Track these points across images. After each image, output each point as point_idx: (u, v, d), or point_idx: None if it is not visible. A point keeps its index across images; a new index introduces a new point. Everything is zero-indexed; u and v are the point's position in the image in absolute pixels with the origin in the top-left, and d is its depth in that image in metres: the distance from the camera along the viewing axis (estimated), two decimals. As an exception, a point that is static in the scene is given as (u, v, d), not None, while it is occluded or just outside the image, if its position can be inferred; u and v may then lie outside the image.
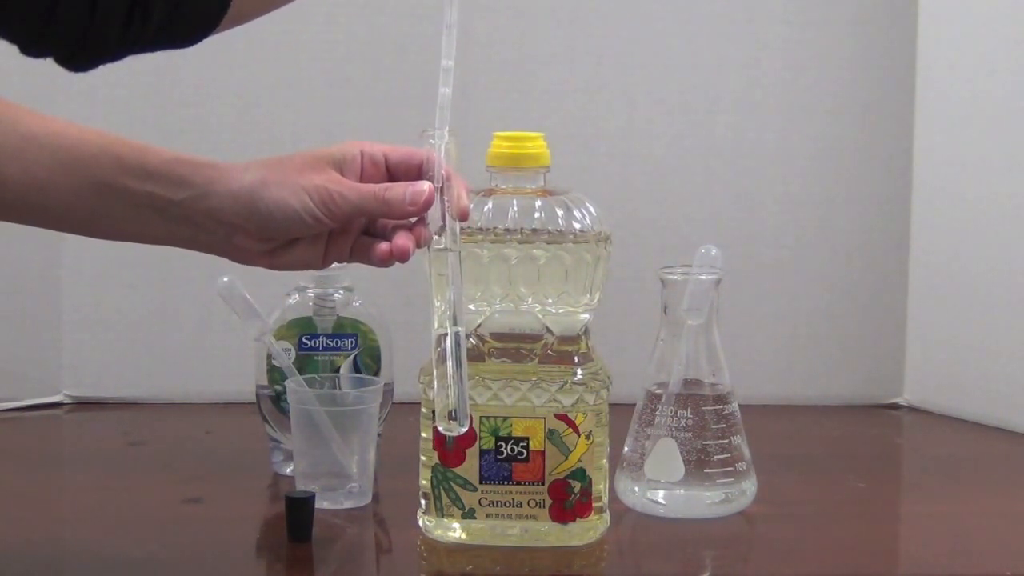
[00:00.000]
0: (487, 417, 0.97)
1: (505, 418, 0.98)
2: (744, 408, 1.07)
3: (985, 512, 1.10)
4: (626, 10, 1.40)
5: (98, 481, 1.16)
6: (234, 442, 1.26)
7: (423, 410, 0.99)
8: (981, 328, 1.36)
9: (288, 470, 1.13)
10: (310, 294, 1.16)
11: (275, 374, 1.14)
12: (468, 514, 0.98)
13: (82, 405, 1.40)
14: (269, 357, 1.14)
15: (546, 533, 0.99)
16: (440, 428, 0.91)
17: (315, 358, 1.14)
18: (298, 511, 0.98)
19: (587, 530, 1.00)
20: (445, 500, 0.99)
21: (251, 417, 1.17)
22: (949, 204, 1.38)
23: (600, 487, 1.00)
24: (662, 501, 1.05)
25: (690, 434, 1.04)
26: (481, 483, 0.98)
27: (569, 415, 0.98)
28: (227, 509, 1.07)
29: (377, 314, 1.17)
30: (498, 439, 0.98)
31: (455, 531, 0.99)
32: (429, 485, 0.99)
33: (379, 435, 1.11)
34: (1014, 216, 1.33)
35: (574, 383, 0.98)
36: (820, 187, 1.43)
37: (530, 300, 0.98)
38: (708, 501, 1.04)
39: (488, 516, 0.98)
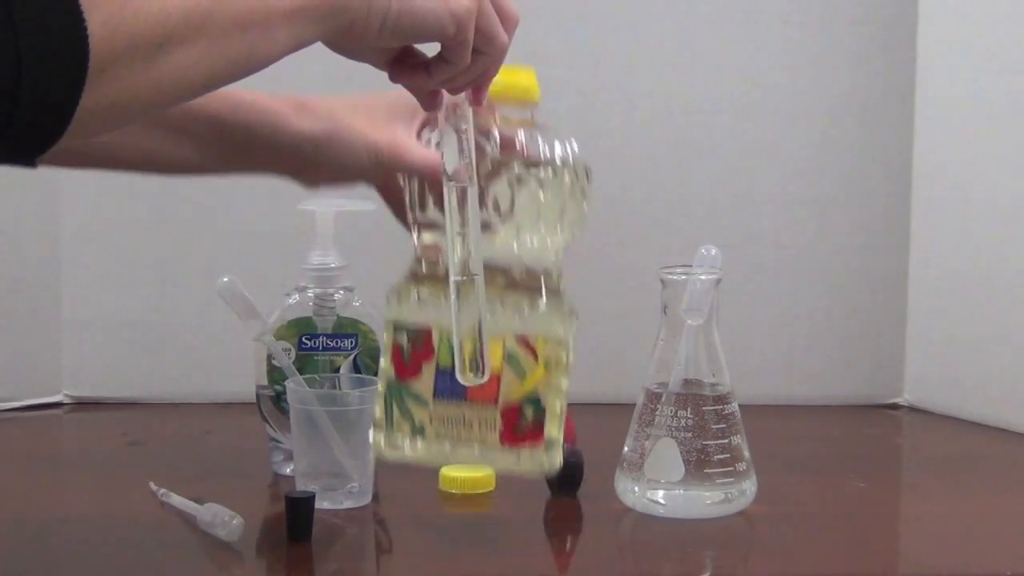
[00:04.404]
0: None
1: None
2: (744, 408, 1.07)
3: (985, 512, 1.10)
4: (626, 10, 1.40)
5: (98, 481, 1.16)
6: (234, 442, 1.26)
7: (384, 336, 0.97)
8: (981, 328, 1.36)
9: (288, 470, 1.13)
10: (310, 294, 1.16)
11: (275, 374, 1.14)
12: (418, 431, 0.95)
13: (82, 405, 1.40)
14: (269, 357, 1.13)
15: (494, 457, 0.95)
16: (460, 379, 0.90)
17: (315, 358, 1.14)
18: (298, 511, 0.98)
19: (534, 460, 0.95)
20: (397, 416, 0.95)
21: (251, 417, 1.17)
22: (949, 204, 1.39)
23: (553, 427, 0.95)
24: (662, 501, 1.05)
25: (690, 434, 1.04)
26: (435, 398, 0.95)
27: (529, 340, 0.94)
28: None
29: (377, 314, 1.16)
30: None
31: (403, 449, 0.96)
32: (383, 402, 0.96)
33: (379, 435, 1.11)
34: (1014, 216, 1.33)
35: (539, 312, 0.95)
36: (820, 187, 1.43)
37: (503, 230, 0.96)
38: (708, 501, 1.04)
39: (438, 435, 0.95)
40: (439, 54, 0.89)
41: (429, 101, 0.93)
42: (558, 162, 0.97)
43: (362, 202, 1.18)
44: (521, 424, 0.95)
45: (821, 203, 1.43)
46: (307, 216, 1.16)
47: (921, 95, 1.41)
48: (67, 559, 0.98)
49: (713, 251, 1.05)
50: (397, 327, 0.97)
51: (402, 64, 0.90)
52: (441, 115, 0.94)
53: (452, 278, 0.90)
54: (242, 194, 1.39)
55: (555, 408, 0.96)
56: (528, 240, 0.96)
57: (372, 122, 0.94)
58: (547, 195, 0.96)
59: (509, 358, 0.95)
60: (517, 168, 0.96)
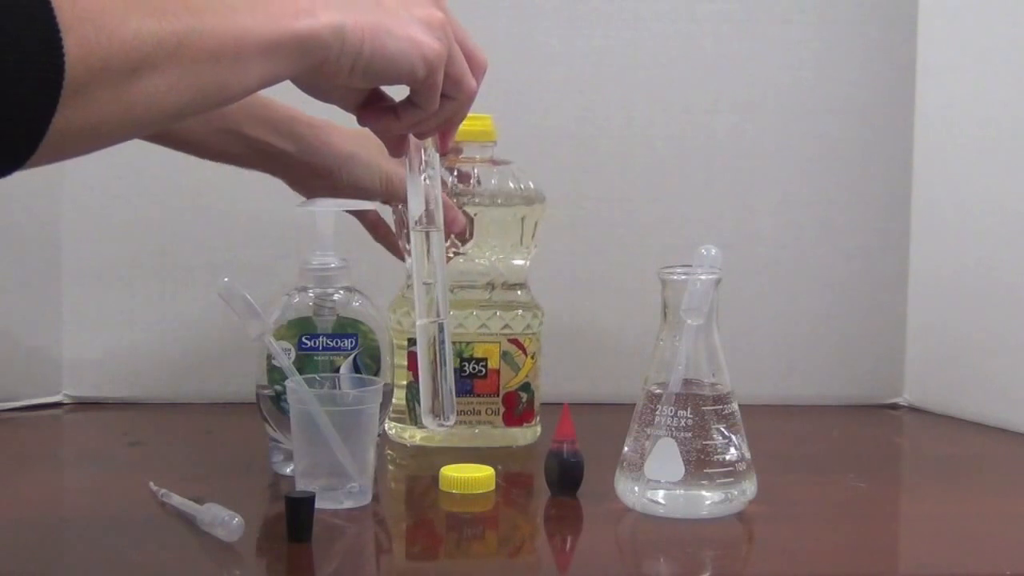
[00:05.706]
0: (454, 342, 1.14)
1: (468, 343, 1.20)
2: (744, 408, 1.07)
3: (985, 512, 1.10)
4: (626, 10, 1.40)
5: (98, 481, 1.16)
6: (234, 442, 1.26)
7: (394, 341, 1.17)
8: (981, 328, 1.36)
9: (288, 470, 1.13)
10: (310, 294, 1.16)
11: (275, 374, 1.14)
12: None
13: (82, 405, 1.40)
14: (269, 357, 1.13)
15: (499, 435, 1.21)
16: (426, 423, 0.96)
17: (315, 358, 1.14)
18: (298, 511, 0.98)
19: (528, 433, 1.22)
20: (418, 411, 1.12)
21: (251, 417, 1.17)
22: (949, 204, 1.39)
23: (537, 401, 1.23)
24: (662, 501, 1.05)
25: (690, 434, 1.04)
26: None
27: (519, 340, 1.21)
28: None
29: (377, 314, 1.17)
30: (463, 360, 1.19)
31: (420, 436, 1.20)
32: (404, 400, 1.20)
33: (379, 435, 1.11)
34: (1014, 216, 1.33)
35: (520, 315, 1.21)
36: (820, 187, 1.43)
37: (482, 250, 1.20)
38: (708, 501, 1.04)
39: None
40: (408, 98, 0.89)
41: (396, 146, 0.94)
42: (510, 193, 1.20)
43: (362, 202, 1.18)
44: (519, 407, 1.21)
45: (821, 203, 1.43)
46: (307, 216, 1.16)
47: (921, 95, 1.41)
48: (67, 559, 0.99)
49: (713, 251, 1.05)
50: (409, 339, 1.18)
51: (371, 107, 0.91)
52: (407, 161, 0.95)
53: (418, 322, 0.94)
54: (242, 194, 1.39)
55: (540, 390, 1.22)
56: (500, 257, 1.21)
57: (382, 152, 0.96)
58: (505, 221, 1.19)
59: (505, 355, 1.20)
60: (476, 200, 1.19)
